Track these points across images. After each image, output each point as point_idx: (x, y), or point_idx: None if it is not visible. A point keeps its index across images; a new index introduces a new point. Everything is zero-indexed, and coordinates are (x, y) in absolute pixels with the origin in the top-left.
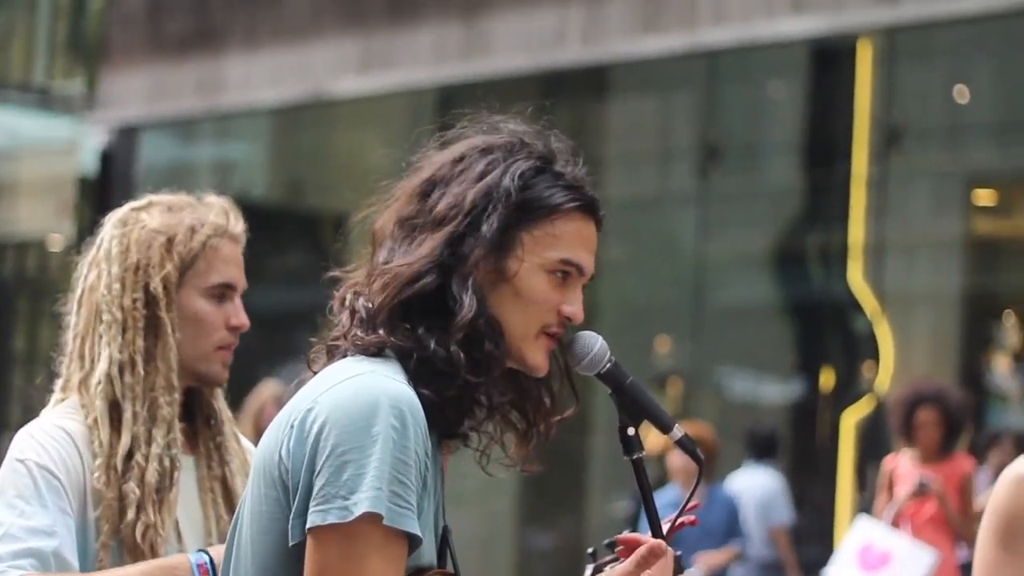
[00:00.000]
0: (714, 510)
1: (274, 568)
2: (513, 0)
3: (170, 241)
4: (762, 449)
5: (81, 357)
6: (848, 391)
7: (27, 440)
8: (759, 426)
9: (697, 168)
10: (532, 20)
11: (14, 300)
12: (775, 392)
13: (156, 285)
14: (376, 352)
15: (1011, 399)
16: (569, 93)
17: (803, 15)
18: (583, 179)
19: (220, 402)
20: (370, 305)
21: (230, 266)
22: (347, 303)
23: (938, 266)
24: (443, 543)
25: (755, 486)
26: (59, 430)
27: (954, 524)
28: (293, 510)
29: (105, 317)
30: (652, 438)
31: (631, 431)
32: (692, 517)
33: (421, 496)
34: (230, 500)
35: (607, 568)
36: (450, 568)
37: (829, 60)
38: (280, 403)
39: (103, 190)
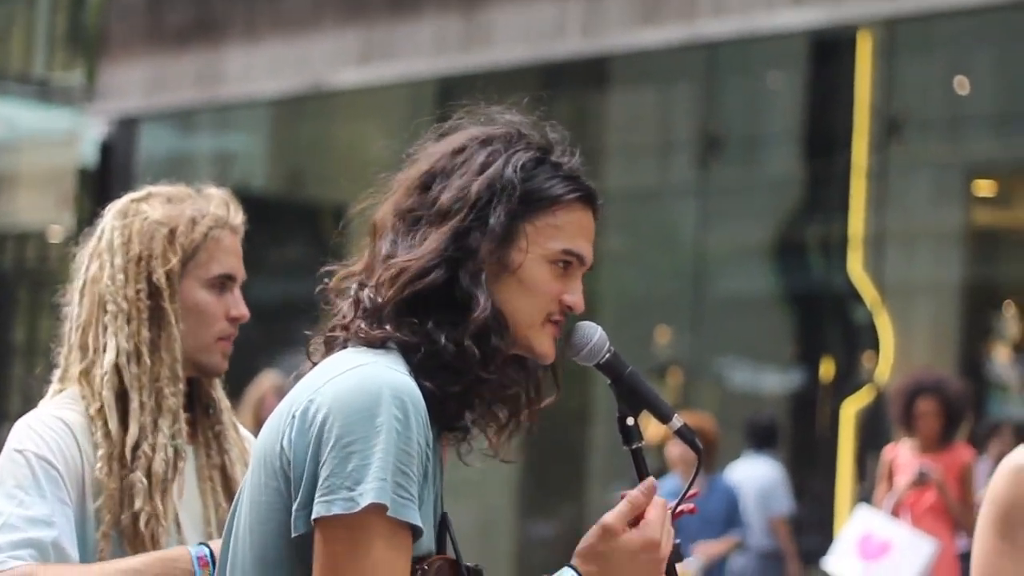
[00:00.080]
0: (714, 500)
1: (272, 558)
2: None
3: (172, 232)
4: (762, 439)
5: (83, 347)
6: (848, 381)
7: (25, 431)
8: (759, 416)
9: (697, 159)
10: (532, 12)
11: (14, 291)
12: (775, 382)
13: (159, 276)
14: (379, 344)
15: (1011, 389)
16: (569, 85)
17: (803, 6)
18: (580, 169)
19: (219, 392)
20: (376, 298)
21: (230, 257)
22: (351, 294)
23: (938, 257)
24: (442, 530)
25: (755, 476)
26: (58, 421)
27: (954, 514)
28: (297, 501)
29: (110, 308)
30: (652, 428)
31: (630, 421)
32: (691, 505)
33: (422, 487)
34: (229, 489)
35: None
36: (451, 554)
37: (829, 51)
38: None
39: (103, 181)
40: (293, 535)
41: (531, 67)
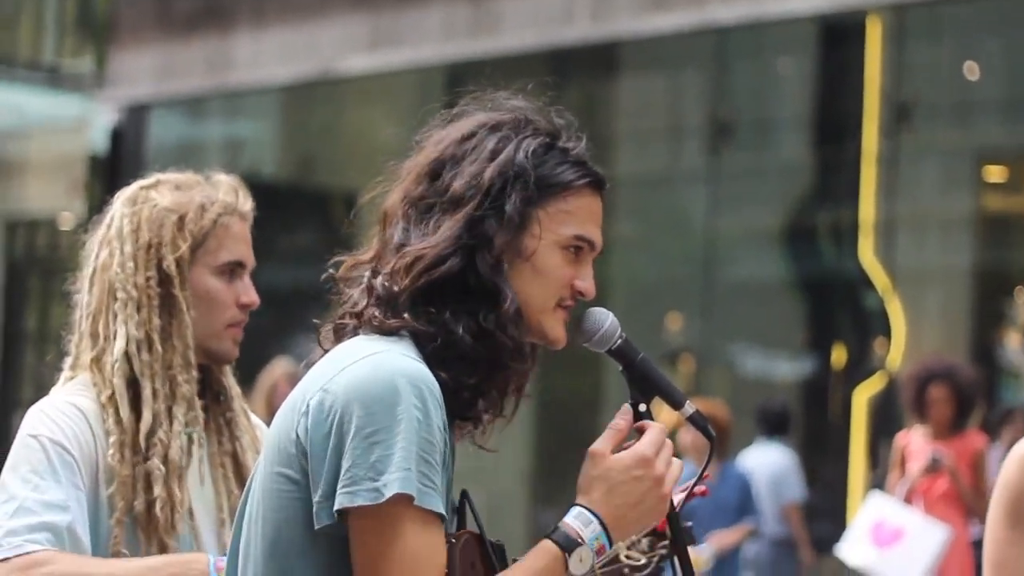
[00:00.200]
0: (727, 487)
1: (286, 546)
2: None
3: (182, 219)
4: (774, 426)
5: (94, 335)
6: (860, 368)
7: (39, 416)
8: (770, 403)
9: (707, 145)
10: None
11: (25, 279)
12: (787, 369)
13: (169, 263)
14: (392, 332)
15: (1023, 375)
16: (578, 71)
17: None
18: (587, 154)
19: (229, 379)
20: (391, 286)
21: (240, 244)
22: (362, 281)
23: (949, 243)
24: (463, 506)
25: (767, 463)
26: (71, 407)
27: (966, 500)
28: (319, 493)
29: (120, 295)
30: (664, 415)
31: (642, 407)
32: (703, 487)
33: (440, 474)
34: (241, 476)
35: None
36: (474, 529)
37: (838, 37)
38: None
39: (113, 168)
40: (316, 527)
41: (540, 53)
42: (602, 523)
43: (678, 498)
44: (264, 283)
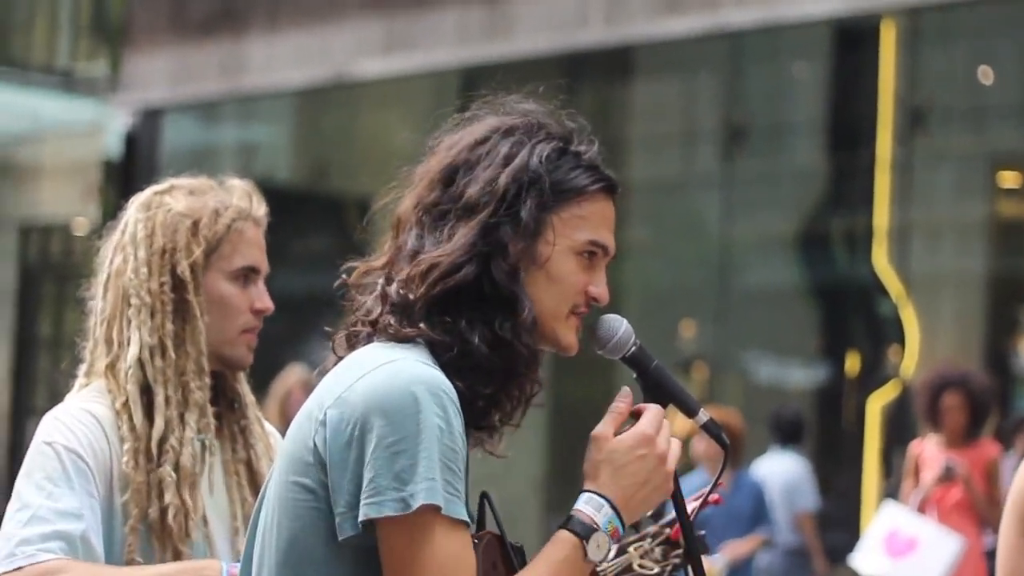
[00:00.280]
0: (740, 496)
1: (302, 555)
2: None
3: (196, 225)
4: (787, 434)
5: (108, 342)
6: (873, 375)
7: (54, 423)
8: (784, 411)
9: (721, 150)
10: (555, 1)
11: (39, 284)
12: (800, 376)
13: (183, 269)
14: (407, 340)
15: None
16: (592, 75)
17: None
18: (599, 158)
19: (243, 386)
20: (406, 294)
21: (254, 249)
22: (376, 288)
23: (963, 249)
24: (481, 508)
25: (780, 471)
26: (86, 414)
27: (980, 509)
28: (342, 503)
29: (133, 301)
30: (678, 423)
31: (674, 440)
32: (717, 496)
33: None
34: (255, 484)
35: (631, 548)
36: (495, 531)
37: (853, 41)
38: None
39: (127, 173)
40: (340, 538)
41: (554, 57)
42: (613, 506)
43: (692, 507)
44: (278, 289)
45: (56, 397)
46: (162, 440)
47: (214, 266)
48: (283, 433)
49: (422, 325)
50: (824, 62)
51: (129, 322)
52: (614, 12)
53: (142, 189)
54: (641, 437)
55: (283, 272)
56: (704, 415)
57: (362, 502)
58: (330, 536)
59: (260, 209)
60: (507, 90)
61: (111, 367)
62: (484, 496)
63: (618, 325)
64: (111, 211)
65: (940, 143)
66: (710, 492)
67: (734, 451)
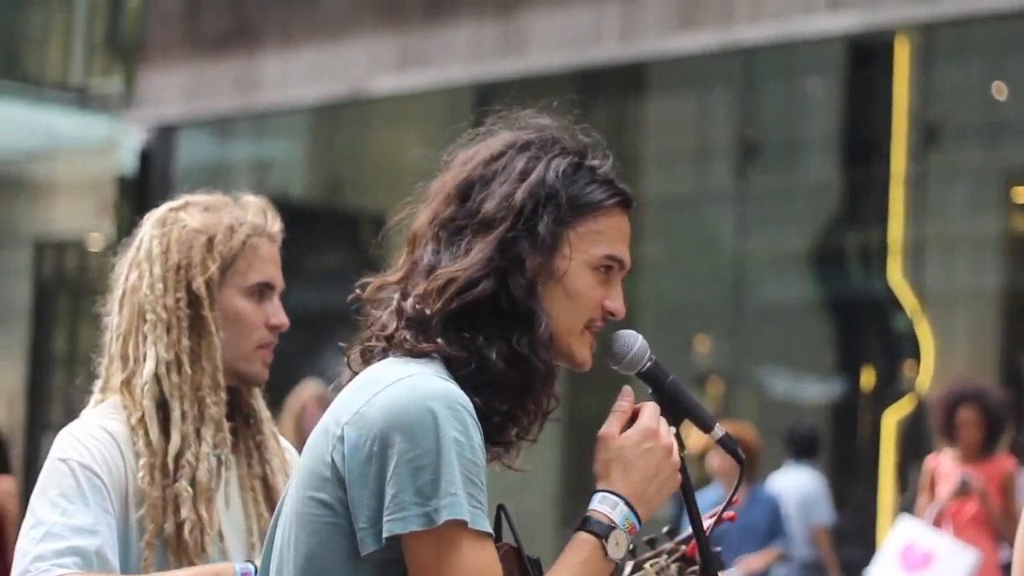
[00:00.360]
0: (756, 510)
1: (319, 571)
2: None
3: (211, 241)
4: (802, 449)
5: (124, 357)
6: (889, 390)
7: (69, 440)
8: (799, 425)
9: (735, 166)
10: (569, 17)
11: (54, 300)
12: (815, 391)
13: (199, 285)
14: (423, 355)
15: None
16: (606, 91)
17: (840, 12)
18: (614, 172)
19: (259, 402)
20: (422, 309)
21: (269, 265)
22: (392, 304)
23: (978, 264)
24: (498, 520)
25: (795, 486)
26: (101, 430)
27: (996, 523)
28: (363, 519)
29: (149, 317)
30: (693, 438)
31: (672, 430)
32: (732, 512)
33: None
34: (271, 499)
35: (647, 565)
36: (512, 543)
37: (867, 57)
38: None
39: (142, 189)
40: (363, 554)
41: (568, 73)
42: (627, 502)
43: (708, 523)
44: (292, 304)
45: (71, 413)
46: (178, 455)
47: (229, 282)
48: (298, 448)
49: (439, 340)
50: (838, 78)
51: (145, 338)
52: (628, 28)
53: (157, 205)
54: (646, 431)
55: (298, 288)
56: (720, 430)
57: (385, 518)
58: (348, 551)
59: (275, 225)
60: (521, 106)
61: (127, 383)
62: (501, 508)
63: (633, 340)
64: (126, 227)
65: (954, 158)
66: (724, 508)
67: (749, 466)
